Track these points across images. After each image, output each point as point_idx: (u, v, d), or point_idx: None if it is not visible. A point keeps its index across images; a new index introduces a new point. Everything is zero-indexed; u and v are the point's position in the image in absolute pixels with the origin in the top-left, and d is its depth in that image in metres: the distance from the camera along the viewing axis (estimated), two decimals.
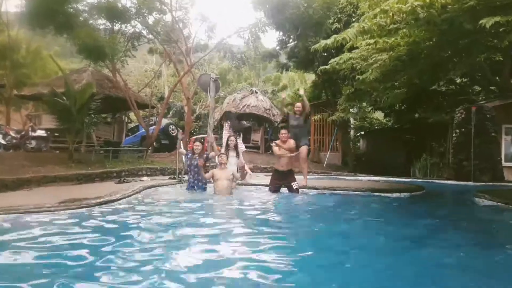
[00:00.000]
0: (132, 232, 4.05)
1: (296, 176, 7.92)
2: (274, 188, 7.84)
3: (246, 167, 9.12)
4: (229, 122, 10.65)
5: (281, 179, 7.81)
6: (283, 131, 7.96)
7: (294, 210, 6.51)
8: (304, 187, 8.31)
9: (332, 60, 11.81)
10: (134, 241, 3.66)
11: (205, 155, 7.77)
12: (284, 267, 3.05)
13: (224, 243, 3.73)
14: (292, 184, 7.67)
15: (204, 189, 7.74)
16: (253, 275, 2.78)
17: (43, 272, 2.73)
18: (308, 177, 9.05)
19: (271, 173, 8.52)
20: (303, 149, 8.58)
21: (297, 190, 7.65)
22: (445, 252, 3.72)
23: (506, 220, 5.79)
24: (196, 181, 7.72)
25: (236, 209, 6.20)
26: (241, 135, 10.27)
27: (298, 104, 8.94)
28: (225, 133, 10.25)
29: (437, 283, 2.87)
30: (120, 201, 5.98)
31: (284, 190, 7.85)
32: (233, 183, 7.62)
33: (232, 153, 8.46)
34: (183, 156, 8.60)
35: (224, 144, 9.05)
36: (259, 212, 5.79)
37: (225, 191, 7.21)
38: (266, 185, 8.22)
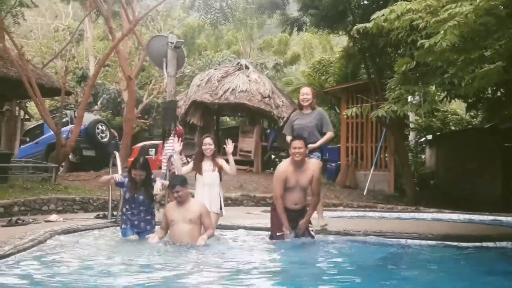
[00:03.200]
0: None
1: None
2: (279, 234, 7.73)
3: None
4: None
5: (293, 221, 7.66)
6: (296, 143, 7.56)
7: (311, 273, 6.50)
8: (324, 229, 8.34)
9: (378, 13, 11.90)
10: None
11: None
12: None
13: None
14: (309, 227, 7.66)
15: (150, 230, 7.87)
16: None
17: None
18: (336, 214, 9.07)
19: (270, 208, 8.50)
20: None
21: (312, 236, 7.66)
22: None
23: None
24: (144, 224, 7.83)
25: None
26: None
27: (306, 90, 8.96)
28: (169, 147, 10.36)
29: None
30: (9, 259, 5.93)
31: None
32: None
33: (206, 166, 8.35)
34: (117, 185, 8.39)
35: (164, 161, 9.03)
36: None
37: (187, 237, 7.25)
38: (264, 229, 8.21)
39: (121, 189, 8.05)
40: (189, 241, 7.15)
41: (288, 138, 8.47)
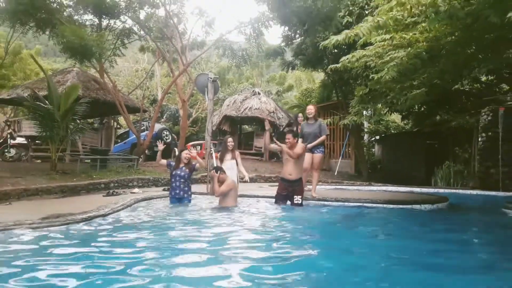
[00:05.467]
0: (124, 252, 4.03)
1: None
2: (281, 199, 7.72)
3: None
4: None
5: (289, 189, 7.62)
6: (288, 135, 7.65)
7: (303, 226, 6.46)
8: (313, 198, 8.30)
9: (344, 58, 11.80)
10: (128, 262, 3.62)
11: (192, 165, 8.02)
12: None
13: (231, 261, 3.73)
14: (295, 197, 7.54)
15: (190, 201, 7.92)
16: None
17: None
18: (317, 187, 9.02)
19: (276, 184, 8.49)
20: (317, 157, 8.60)
21: (299, 205, 7.53)
22: (471, 274, 3.69)
23: None
24: (182, 192, 7.82)
25: (247, 223, 6.23)
26: None
27: (310, 107, 8.90)
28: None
29: None
30: (109, 216, 5.96)
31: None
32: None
33: (228, 156, 8.52)
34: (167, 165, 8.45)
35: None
36: (269, 228, 5.84)
37: (234, 202, 7.38)
38: (269, 197, 8.20)
39: (169, 169, 8.04)
40: (229, 204, 7.30)
41: (300, 140, 8.38)
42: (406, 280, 3.43)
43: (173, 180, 7.85)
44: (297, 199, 7.54)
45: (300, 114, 10.11)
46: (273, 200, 7.91)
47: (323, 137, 8.66)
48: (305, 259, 4.08)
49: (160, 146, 8.34)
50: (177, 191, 7.79)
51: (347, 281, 3.42)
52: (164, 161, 8.46)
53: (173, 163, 8.02)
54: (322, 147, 8.88)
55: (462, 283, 3.43)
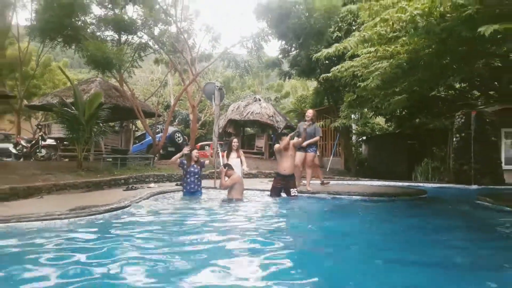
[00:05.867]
0: (142, 238, 4.06)
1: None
2: (276, 192, 7.79)
3: None
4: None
5: (283, 183, 7.72)
6: (283, 137, 7.78)
7: (299, 215, 6.48)
8: (308, 191, 8.32)
9: (334, 68, 11.82)
10: (145, 247, 3.65)
11: (201, 162, 8.09)
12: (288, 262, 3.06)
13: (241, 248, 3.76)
14: (291, 189, 7.62)
15: (201, 194, 8.03)
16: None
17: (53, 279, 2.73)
18: (311, 181, 9.04)
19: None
20: (309, 155, 8.64)
21: (294, 197, 7.59)
22: (448, 252, 3.73)
23: (508, 222, 5.75)
24: (196, 187, 7.91)
25: (253, 213, 6.28)
26: None
27: (310, 111, 8.95)
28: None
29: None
30: (129, 208, 5.99)
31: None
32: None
33: (233, 155, 8.62)
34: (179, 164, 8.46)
35: None
36: (268, 214, 5.85)
37: (240, 194, 7.40)
38: (268, 190, 8.23)
39: (182, 167, 8.04)
40: (240, 195, 7.37)
41: (297, 138, 8.43)
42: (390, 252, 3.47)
43: (188, 176, 7.89)
44: (294, 191, 7.63)
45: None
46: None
47: (316, 138, 8.69)
48: (297, 239, 4.13)
49: (185, 150, 8.40)
50: (192, 186, 7.86)
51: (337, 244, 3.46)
52: (178, 160, 8.50)
53: (184, 161, 8.06)
54: (315, 146, 8.91)
55: (438, 258, 3.51)
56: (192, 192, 7.84)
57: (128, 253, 3.41)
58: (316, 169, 9.78)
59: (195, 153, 8.03)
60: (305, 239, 4.51)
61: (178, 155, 8.43)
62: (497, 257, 3.76)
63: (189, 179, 7.86)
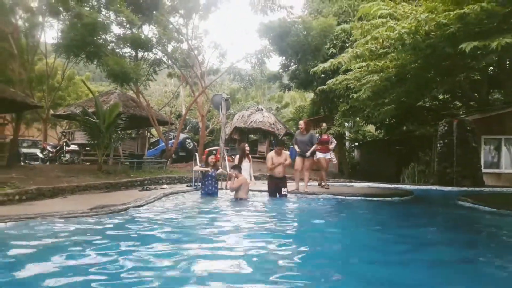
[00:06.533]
0: (156, 234, 4.05)
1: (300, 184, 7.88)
2: (273, 191, 7.87)
3: None
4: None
5: (277, 183, 7.84)
6: (278, 147, 7.97)
7: (295, 213, 6.44)
8: (306, 192, 8.29)
9: (329, 81, 11.85)
10: (159, 243, 3.63)
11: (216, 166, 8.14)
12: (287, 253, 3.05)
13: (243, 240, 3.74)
14: (282, 189, 7.76)
15: (217, 194, 8.04)
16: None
17: (72, 272, 2.72)
18: (308, 183, 9.00)
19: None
20: (307, 161, 8.62)
21: (285, 196, 7.74)
22: (429, 246, 3.70)
23: (486, 221, 5.71)
24: (214, 188, 7.98)
25: (258, 210, 6.28)
26: None
27: (301, 122, 8.96)
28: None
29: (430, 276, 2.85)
30: (144, 207, 5.97)
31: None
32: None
33: (245, 160, 8.68)
34: (200, 171, 8.45)
35: None
36: (269, 210, 5.82)
37: (245, 194, 7.40)
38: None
39: (203, 172, 8.05)
40: (241, 196, 7.31)
41: (296, 146, 8.52)
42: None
43: (206, 179, 7.96)
44: (284, 191, 7.81)
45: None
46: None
47: (315, 146, 8.65)
48: (296, 230, 4.11)
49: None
50: (210, 187, 7.96)
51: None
52: (198, 168, 8.53)
53: (204, 167, 8.09)
54: (313, 152, 8.87)
55: (426, 254, 3.48)
56: (209, 193, 7.91)
57: (141, 248, 3.39)
58: (323, 172, 10.00)
59: (210, 159, 8.08)
60: (306, 232, 4.50)
61: (200, 169, 8.31)
62: (471, 250, 3.78)
63: (207, 182, 7.96)
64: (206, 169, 7.96)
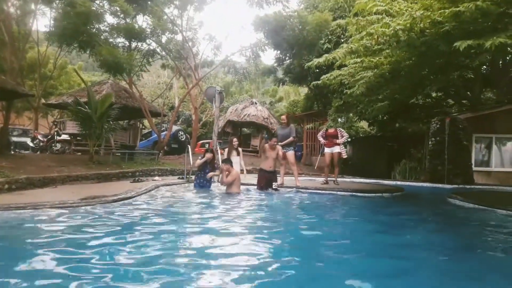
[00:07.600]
0: (145, 226, 4.04)
1: (288, 178, 7.91)
2: (263, 185, 7.95)
3: None
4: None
5: (268, 177, 7.95)
6: (274, 138, 8.21)
7: (287, 208, 6.47)
8: (298, 187, 8.31)
9: (323, 76, 11.86)
10: (149, 234, 3.63)
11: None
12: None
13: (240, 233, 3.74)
14: (273, 183, 7.90)
15: (210, 187, 8.11)
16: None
17: (63, 263, 2.71)
18: (300, 178, 9.03)
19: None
20: (289, 154, 8.62)
21: (275, 190, 7.86)
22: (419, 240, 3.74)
23: (475, 218, 5.79)
24: (205, 181, 8.05)
25: (251, 203, 6.31)
26: None
27: (283, 117, 9.03)
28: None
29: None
30: (135, 198, 5.96)
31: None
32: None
33: (234, 153, 8.71)
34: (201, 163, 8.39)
35: None
36: (260, 205, 5.84)
37: (238, 188, 7.42)
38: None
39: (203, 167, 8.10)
40: (234, 190, 7.31)
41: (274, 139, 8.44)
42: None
43: (202, 173, 8.03)
44: (275, 185, 7.94)
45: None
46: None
47: (290, 138, 8.64)
48: (285, 224, 4.13)
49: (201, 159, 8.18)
50: (201, 180, 8.03)
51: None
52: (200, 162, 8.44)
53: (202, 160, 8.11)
54: (295, 146, 8.89)
55: (419, 248, 3.53)
56: (202, 186, 8.00)
57: (131, 238, 3.40)
58: (326, 168, 9.89)
59: (208, 155, 8.12)
60: (296, 225, 4.52)
61: (202, 161, 8.20)
62: (460, 243, 3.87)
63: (200, 175, 8.05)
64: (208, 156, 7.98)
